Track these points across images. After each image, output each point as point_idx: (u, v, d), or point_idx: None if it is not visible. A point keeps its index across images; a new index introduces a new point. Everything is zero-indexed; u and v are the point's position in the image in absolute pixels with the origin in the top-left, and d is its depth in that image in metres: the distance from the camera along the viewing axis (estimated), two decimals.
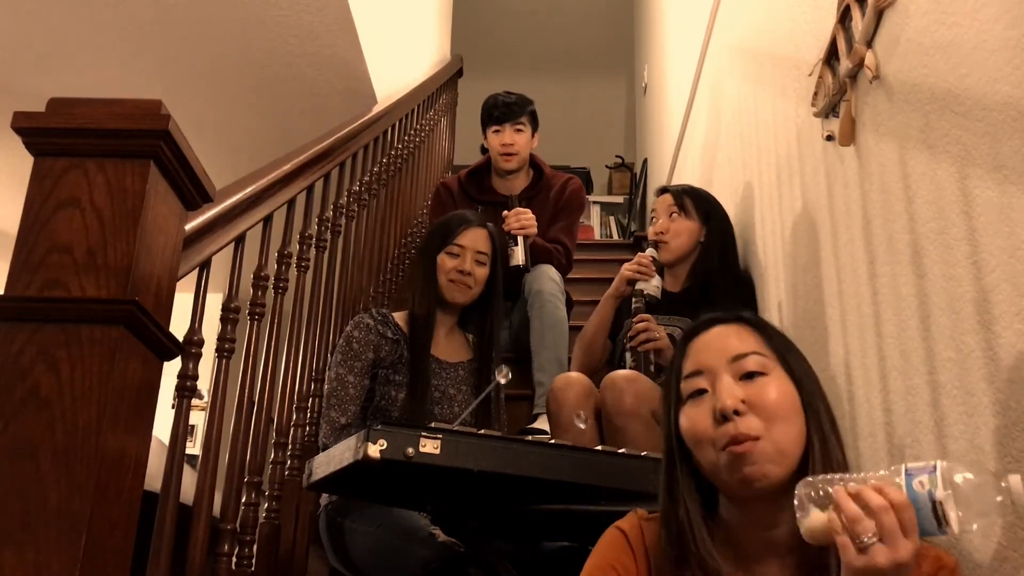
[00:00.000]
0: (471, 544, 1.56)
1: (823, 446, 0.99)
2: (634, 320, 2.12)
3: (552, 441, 1.46)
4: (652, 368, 2.08)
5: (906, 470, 0.82)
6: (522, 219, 2.61)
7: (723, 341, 1.06)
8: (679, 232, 2.29)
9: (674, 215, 2.30)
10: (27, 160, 1.09)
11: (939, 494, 0.79)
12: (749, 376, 1.02)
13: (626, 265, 2.26)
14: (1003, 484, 0.79)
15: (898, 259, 1.30)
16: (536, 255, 2.66)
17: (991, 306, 1.03)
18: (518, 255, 2.58)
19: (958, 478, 0.79)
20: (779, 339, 1.08)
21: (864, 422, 1.43)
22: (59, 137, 1.09)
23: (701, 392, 1.03)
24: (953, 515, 0.79)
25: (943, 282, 1.15)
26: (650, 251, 2.26)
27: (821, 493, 0.85)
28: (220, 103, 3.68)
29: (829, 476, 0.87)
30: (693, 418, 1.02)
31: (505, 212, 2.65)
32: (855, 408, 1.47)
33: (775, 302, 2.04)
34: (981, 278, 1.05)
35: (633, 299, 2.18)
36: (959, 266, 1.11)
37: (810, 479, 0.87)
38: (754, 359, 1.03)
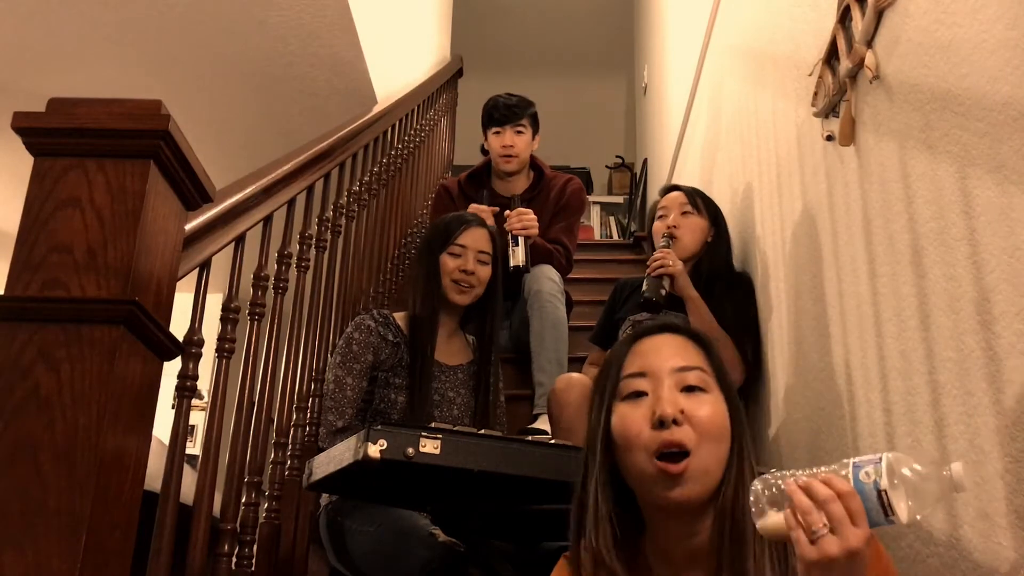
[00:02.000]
0: (471, 544, 1.56)
1: (739, 477, 1.02)
2: (658, 257, 2.19)
3: (552, 441, 1.46)
4: (663, 292, 2.15)
5: (853, 463, 0.84)
6: (524, 219, 2.61)
7: (670, 349, 1.08)
8: (692, 228, 2.30)
9: (686, 212, 2.31)
10: (27, 160, 1.09)
11: (884, 483, 0.81)
12: (689, 389, 1.04)
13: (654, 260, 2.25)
14: (946, 472, 0.81)
15: (898, 259, 1.30)
16: (536, 256, 2.66)
17: (991, 306, 1.03)
18: (519, 256, 2.57)
19: (904, 469, 0.81)
20: (719, 362, 1.10)
21: (864, 422, 1.43)
22: (59, 137, 1.09)
23: (640, 394, 1.04)
24: (900, 504, 0.80)
25: (943, 282, 1.15)
26: (663, 244, 2.27)
27: (775, 490, 0.87)
28: (220, 103, 3.68)
29: (781, 472, 0.88)
30: (628, 418, 1.04)
31: (507, 212, 2.65)
32: (855, 408, 1.47)
33: (775, 302, 2.04)
34: (981, 278, 1.05)
35: (663, 237, 2.25)
36: (959, 266, 1.11)
37: (765, 476, 0.89)
38: (697, 374, 1.05)
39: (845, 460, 0.86)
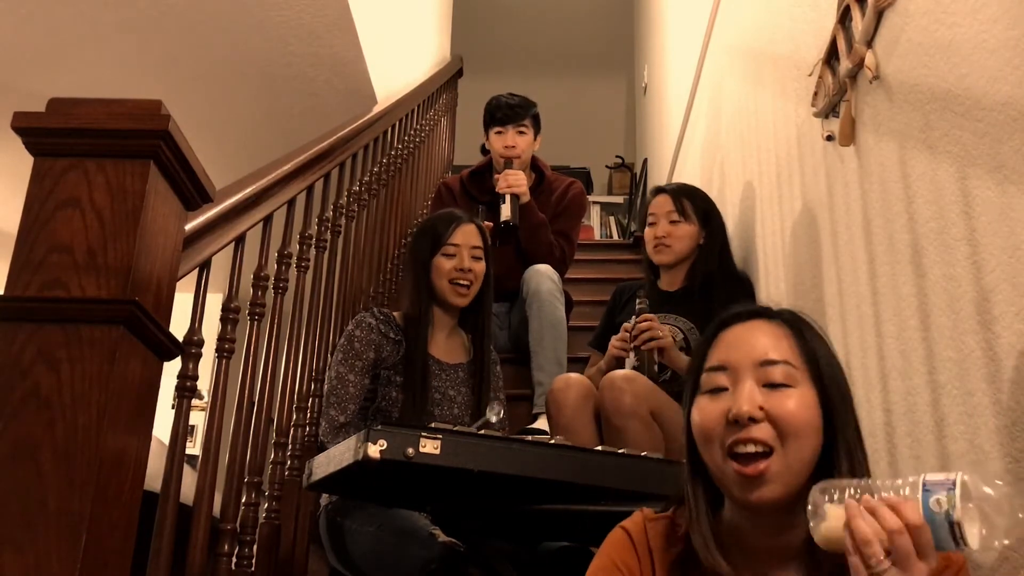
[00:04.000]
0: (471, 544, 1.56)
1: (850, 464, 0.93)
2: (637, 320, 2.12)
3: (552, 441, 1.46)
4: (655, 367, 2.08)
5: (924, 484, 0.78)
6: (510, 179, 2.70)
7: (754, 340, 0.99)
8: (681, 237, 2.30)
9: (674, 219, 2.30)
10: (27, 160, 1.09)
11: (957, 515, 0.75)
12: (774, 386, 0.96)
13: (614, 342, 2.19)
14: (1020, 502, 0.75)
15: (898, 259, 1.30)
16: (536, 248, 2.68)
17: (991, 306, 1.03)
18: (505, 212, 2.66)
19: (977, 495, 0.75)
20: (814, 343, 1.00)
21: (864, 422, 1.42)
22: (59, 137, 1.09)
23: (721, 389, 0.98)
24: (972, 533, 0.75)
25: (943, 282, 1.15)
26: (641, 307, 2.17)
27: (836, 497, 0.82)
28: (220, 103, 3.68)
29: (844, 482, 0.84)
30: (706, 412, 0.98)
31: (496, 175, 2.71)
32: (855, 408, 1.47)
33: (775, 302, 2.04)
34: (981, 278, 1.05)
35: (637, 300, 2.18)
36: (959, 266, 1.11)
37: (824, 484, 0.84)
38: (782, 369, 0.96)
39: (914, 479, 0.79)
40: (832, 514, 0.82)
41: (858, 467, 0.94)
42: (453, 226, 2.08)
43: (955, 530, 0.75)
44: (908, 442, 1.26)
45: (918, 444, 1.22)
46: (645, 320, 2.11)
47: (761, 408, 0.94)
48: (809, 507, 0.84)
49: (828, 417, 0.96)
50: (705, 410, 0.98)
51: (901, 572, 0.75)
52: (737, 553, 0.98)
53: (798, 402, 0.95)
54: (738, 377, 0.97)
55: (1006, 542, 0.75)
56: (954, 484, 0.76)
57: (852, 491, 0.81)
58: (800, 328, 1.01)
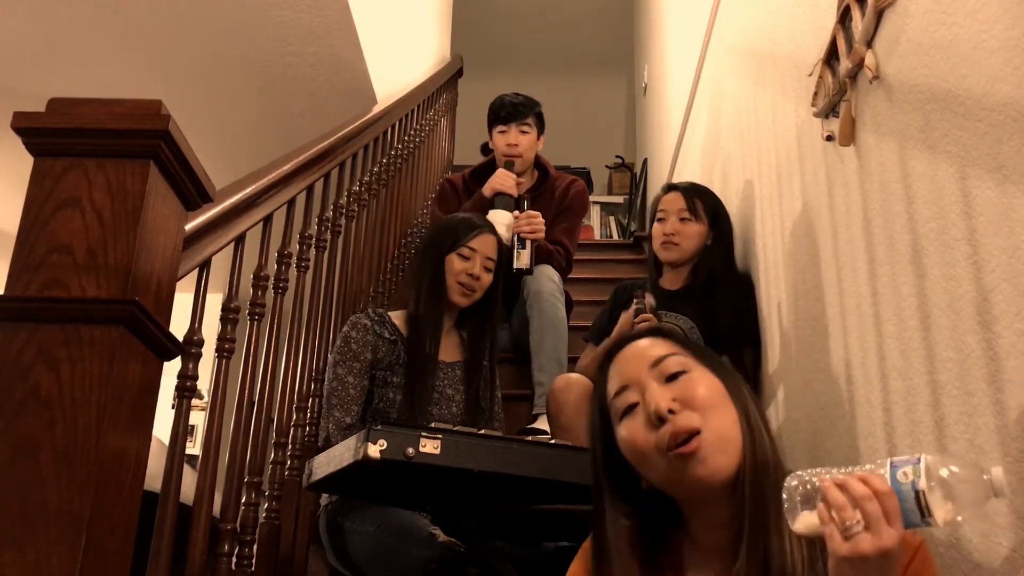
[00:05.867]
0: (471, 544, 1.56)
1: (750, 431, 1.01)
2: (635, 320, 2.12)
3: (552, 441, 1.46)
4: None
5: (891, 463, 0.84)
6: (534, 223, 2.61)
7: (641, 351, 1.08)
8: (690, 235, 2.30)
9: (684, 218, 2.30)
10: (27, 160, 1.09)
11: (922, 484, 0.80)
12: (673, 377, 1.03)
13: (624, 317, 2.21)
14: (986, 476, 0.80)
15: (898, 259, 1.30)
16: (537, 256, 2.66)
17: (991, 306, 1.03)
18: (524, 258, 2.57)
19: (943, 471, 0.80)
20: (694, 345, 1.11)
21: (864, 422, 1.43)
22: (59, 137, 1.09)
23: (633, 406, 1.04)
24: (937, 506, 0.80)
25: (943, 282, 1.15)
26: (638, 307, 2.17)
27: (808, 487, 0.86)
28: (220, 103, 3.67)
29: (816, 470, 0.88)
30: (632, 431, 1.03)
31: (516, 213, 2.64)
32: (855, 408, 1.47)
33: (775, 302, 2.04)
34: (981, 278, 1.05)
35: (635, 300, 2.18)
36: (959, 266, 1.11)
37: (798, 473, 0.88)
38: (674, 360, 1.05)
39: (881, 460, 0.85)
40: (806, 502, 0.86)
41: (765, 444, 1.01)
42: (475, 232, 2.08)
43: (920, 499, 0.80)
44: (908, 442, 1.26)
45: (918, 444, 1.22)
46: (643, 320, 2.11)
47: (674, 400, 1.01)
48: (784, 495, 0.87)
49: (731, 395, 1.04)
50: (630, 430, 1.03)
51: (872, 536, 0.80)
52: (698, 557, 1.04)
53: (700, 380, 1.03)
54: (641, 386, 1.04)
55: (962, 516, 0.80)
56: (919, 460, 0.82)
57: (823, 475, 0.86)
58: (675, 334, 1.12)
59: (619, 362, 1.09)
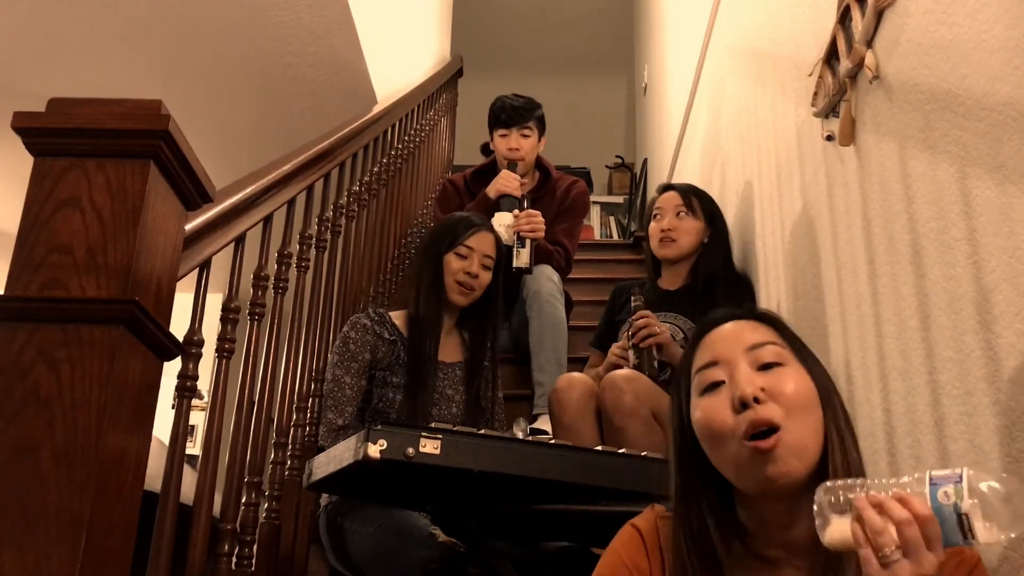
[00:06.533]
0: (471, 544, 1.56)
1: (841, 443, 0.95)
2: (634, 318, 2.12)
3: (552, 441, 1.46)
4: (655, 364, 2.08)
5: (930, 479, 0.79)
6: (533, 222, 2.62)
7: (739, 333, 1.02)
8: (687, 231, 2.30)
9: (681, 214, 2.30)
10: (27, 160, 1.09)
11: (965, 506, 0.76)
12: (766, 367, 0.97)
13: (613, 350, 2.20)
14: None
15: (898, 259, 1.30)
16: (536, 256, 2.66)
17: (991, 306, 1.03)
18: (524, 257, 2.57)
19: (984, 487, 0.76)
20: (794, 337, 1.04)
21: (864, 422, 1.43)
22: (59, 137, 1.09)
23: (718, 384, 0.98)
24: (979, 526, 0.76)
25: (943, 282, 1.15)
26: (637, 304, 2.17)
27: (842, 499, 0.82)
28: (220, 103, 3.67)
29: (850, 482, 0.83)
30: (710, 410, 0.97)
31: (516, 212, 2.65)
32: (855, 408, 1.47)
33: (775, 302, 2.04)
34: (981, 278, 1.05)
35: (632, 298, 2.18)
36: (959, 266, 1.11)
37: (829, 484, 0.84)
38: (771, 349, 0.99)
39: (919, 475, 0.80)
40: (838, 519, 0.82)
41: (851, 453, 0.95)
42: (472, 230, 2.08)
43: (963, 522, 0.76)
44: (908, 442, 1.26)
45: (918, 444, 1.22)
46: (641, 317, 2.11)
47: (762, 389, 0.95)
48: (815, 507, 0.83)
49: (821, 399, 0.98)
50: (708, 407, 0.98)
51: (911, 563, 0.76)
52: (745, 551, 0.97)
53: (793, 377, 0.97)
54: (732, 366, 0.98)
55: (1013, 535, 0.75)
56: (960, 477, 0.77)
57: (858, 490, 0.82)
58: (777, 321, 1.05)
59: (714, 337, 1.03)
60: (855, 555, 0.81)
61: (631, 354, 2.12)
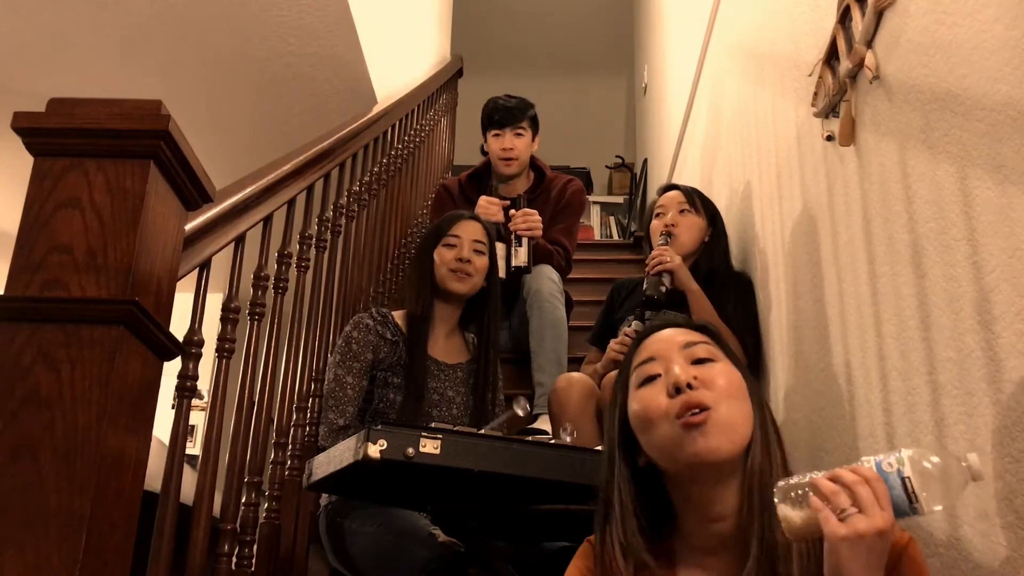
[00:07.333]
0: (471, 544, 1.56)
1: (765, 437, 1.04)
2: (654, 255, 2.19)
3: (552, 441, 1.46)
4: (663, 288, 2.15)
5: (874, 459, 0.88)
6: (530, 220, 2.62)
7: (675, 335, 1.11)
8: (689, 227, 2.31)
9: (684, 211, 2.31)
10: (27, 160, 1.09)
11: (907, 471, 0.85)
12: (700, 361, 1.06)
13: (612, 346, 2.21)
14: (964, 464, 0.84)
15: (898, 259, 1.30)
16: (536, 256, 2.66)
17: (991, 306, 1.03)
18: (521, 256, 2.57)
19: (924, 461, 0.85)
20: (725, 342, 1.13)
21: (864, 422, 1.43)
22: (59, 137, 1.09)
23: (654, 377, 1.06)
24: (923, 492, 0.84)
25: (943, 282, 1.15)
26: (661, 241, 2.27)
27: (798, 492, 0.88)
28: (220, 103, 3.67)
29: (801, 478, 0.90)
30: (646, 398, 1.05)
31: (512, 211, 2.65)
32: (855, 408, 1.47)
33: (775, 302, 2.04)
34: (981, 278, 1.05)
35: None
36: (959, 266, 1.11)
37: (782, 483, 0.91)
38: (704, 347, 1.08)
39: (864, 458, 0.88)
40: (797, 512, 0.89)
41: (775, 450, 1.03)
42: (457, 220, 2.11)
43: (907, 486, 0.84)
44: (908, 442, 1.26)
45: (918, 444, 1.22)
46: (661, 249, 2.19)
47: (695, 377, 1.03)
48: (776, 499, 0.90)
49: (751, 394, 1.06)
50: (645, 397, 1.06)
51: (866, 517, 0.83)
52: (673, 547, 1.06)
53: (725, 371, 1.06)
54: (668, 361, 1.06)
55: (945, 503, 0.85)
56: (900, 452, 0.87)
57: (809, 478, 0.90)
58: (710, 328, 1.14)
59: (651, 339, 1.12)
60: (792, 547, 0.92)
61: (645, 281, 2.18)
